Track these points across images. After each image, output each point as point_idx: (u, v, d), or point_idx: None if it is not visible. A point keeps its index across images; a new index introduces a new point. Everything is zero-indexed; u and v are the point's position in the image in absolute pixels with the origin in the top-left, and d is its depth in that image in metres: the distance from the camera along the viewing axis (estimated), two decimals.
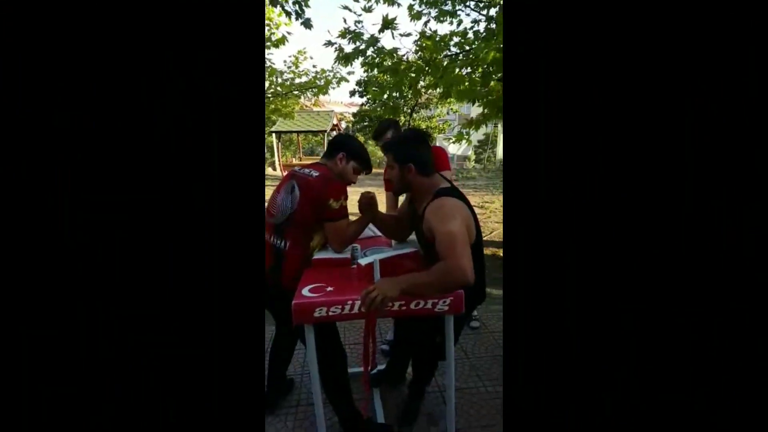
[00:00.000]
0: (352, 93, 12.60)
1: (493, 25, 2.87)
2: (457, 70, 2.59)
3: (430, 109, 12.02)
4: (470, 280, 0.95)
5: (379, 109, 3.29)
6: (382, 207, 1.98)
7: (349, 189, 1.30)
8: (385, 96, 3.29)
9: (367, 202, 1.25)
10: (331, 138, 1.45)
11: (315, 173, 1.21)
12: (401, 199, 1.54)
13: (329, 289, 1.01)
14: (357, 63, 2.69)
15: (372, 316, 0.96)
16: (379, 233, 1.63)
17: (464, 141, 3.13)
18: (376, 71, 2.74)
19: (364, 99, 12.88)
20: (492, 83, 2.44)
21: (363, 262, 1.05)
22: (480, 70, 2.55)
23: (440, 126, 14.66)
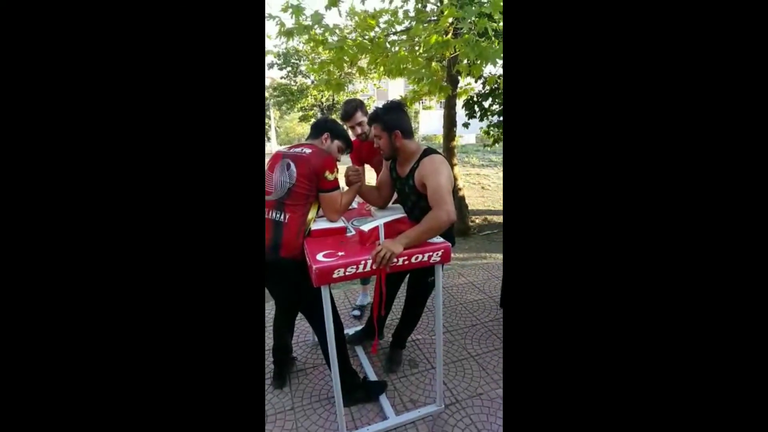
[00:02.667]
0: (270, 66, 11.88)
1: (425, 6, 3.06)
2: (399, 49, 2.74)
3: (354, 84, 11.96)
4: (454, 218, 1.20)
5: (322, 85, 3.27)
6: None
7: None
8: (323, 73, 3.28)
9: (355, 174, 1.40)
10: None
11: (308, 150, 1.30)
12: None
13: (340, 253, 1.14)
14: (275, 36, 2.65)
15: (383, 272, 1.12)
16: (355, 206, 1.77)
17: None
18: (321, 49, 2.73)
19: (284, 72, 12.27)
20: (433, 64, 2.65)
21: (365, 228, 1.19)
22: (421, 50, 2.73)
23: (365, 102, 14.63)
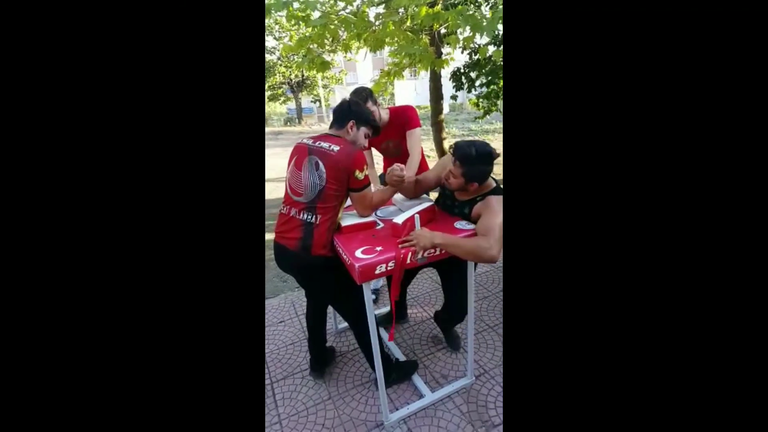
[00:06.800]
0: None
1: None
2: (386, 22, 2.63)
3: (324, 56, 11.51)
4: (496, 260, 1.15)
5: (305, 64, 3.09)
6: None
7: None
8: (302, 52, 3.13)
9: (399, 179, 1.32)
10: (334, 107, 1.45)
11: (335, 147, 1.23)
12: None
13: (378, 248, 1.14)
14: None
15: (404, 261, 1.12)
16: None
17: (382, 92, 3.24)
18: (304, 26, 2.58)
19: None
20: (423, 38, 2.58)
21: (398, 220, 1.19)
22: (408, 23, 2.64)
23: (336, 75, 14.14)
